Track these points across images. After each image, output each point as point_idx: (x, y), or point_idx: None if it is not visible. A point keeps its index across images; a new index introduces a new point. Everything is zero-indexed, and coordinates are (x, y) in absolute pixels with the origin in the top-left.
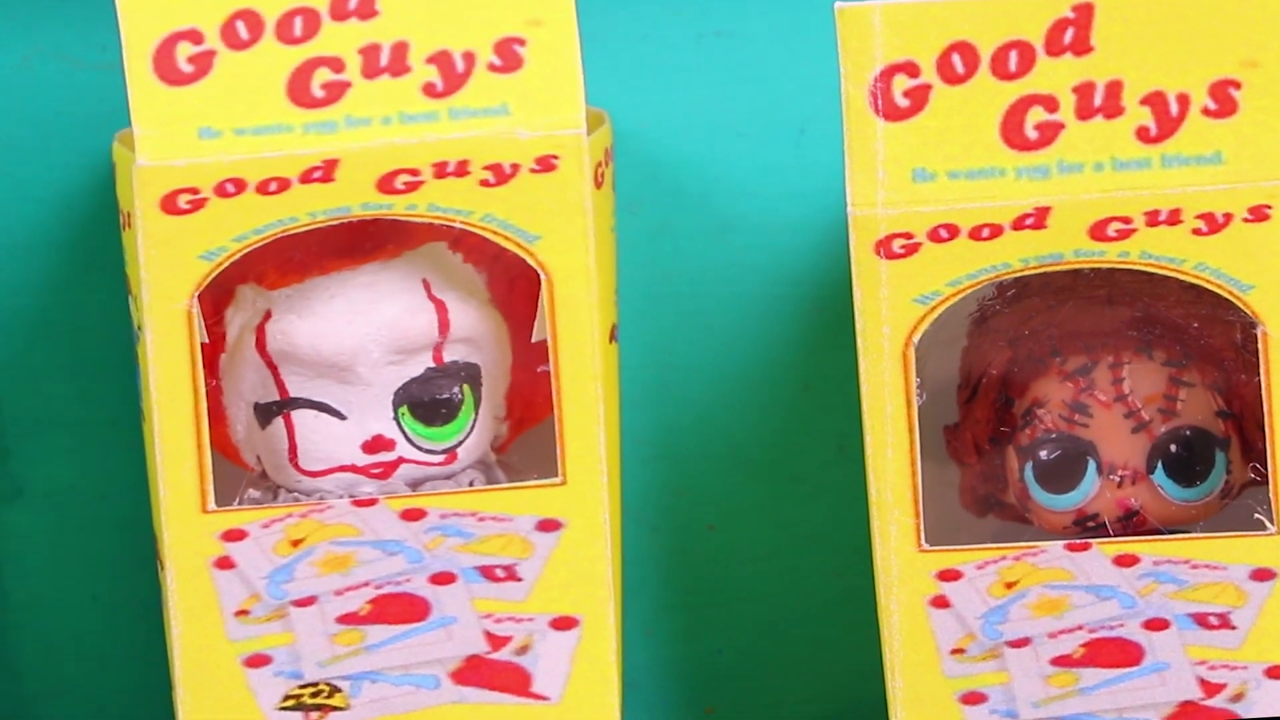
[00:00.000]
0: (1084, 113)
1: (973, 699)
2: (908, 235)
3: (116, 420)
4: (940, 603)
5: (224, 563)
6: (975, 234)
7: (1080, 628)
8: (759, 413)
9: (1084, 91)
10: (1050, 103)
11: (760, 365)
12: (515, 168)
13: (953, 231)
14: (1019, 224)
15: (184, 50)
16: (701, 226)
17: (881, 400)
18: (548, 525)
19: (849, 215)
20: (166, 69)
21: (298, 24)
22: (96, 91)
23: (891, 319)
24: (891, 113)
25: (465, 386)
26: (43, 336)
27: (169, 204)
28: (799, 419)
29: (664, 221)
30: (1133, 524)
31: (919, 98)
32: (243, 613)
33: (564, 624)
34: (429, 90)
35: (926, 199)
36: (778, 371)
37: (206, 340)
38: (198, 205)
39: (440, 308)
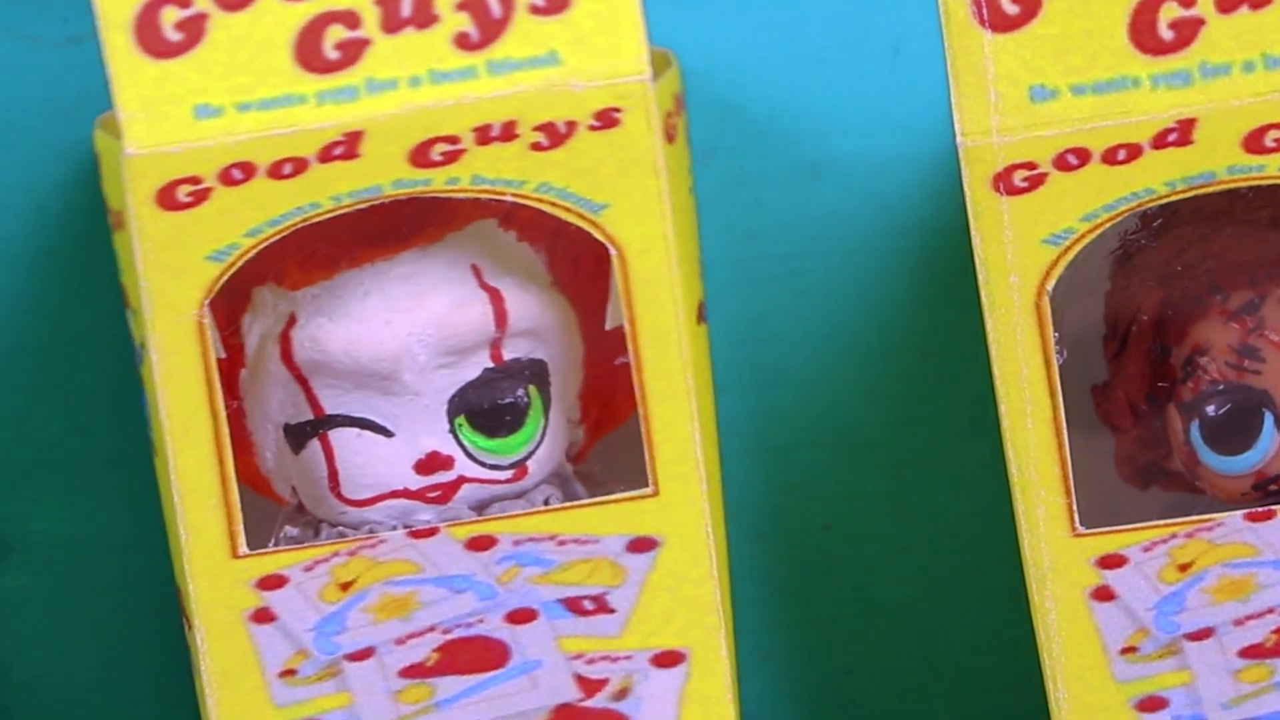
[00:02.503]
0: (1226, 4)
1: (1151, 705)
2: (1030, 165)
3: (120, 458)
4: (1103, 595)
5: (262, 615)
6: (1110, 157)
7: (1271, 610)
8: (873, 389)
9: None
10: None
11: (869, 333)
12: (571, 126)
13: (1083, 157)
14: (1160, 142)
15: (170, 15)
16: (786, 174)
17: (1015, 362)
18: (641, 545)
19: (959, 147)
20: (151, 39)
21: None
22: (62, 73)
23: (1019, 265)
24: (1000, 22)
25: (531, 388)
26: (24, 365)
27: (167, 198)
28: (920, 392)
29: (742, 171)
30: None
31: (1031, 2)
32: (289, 673)
33: (668, 660)
34: (462, 42)
35: (1049, 121)
36: (891, 338)
37: (223, 355)
38: (201, 197)
39: (495, 297)
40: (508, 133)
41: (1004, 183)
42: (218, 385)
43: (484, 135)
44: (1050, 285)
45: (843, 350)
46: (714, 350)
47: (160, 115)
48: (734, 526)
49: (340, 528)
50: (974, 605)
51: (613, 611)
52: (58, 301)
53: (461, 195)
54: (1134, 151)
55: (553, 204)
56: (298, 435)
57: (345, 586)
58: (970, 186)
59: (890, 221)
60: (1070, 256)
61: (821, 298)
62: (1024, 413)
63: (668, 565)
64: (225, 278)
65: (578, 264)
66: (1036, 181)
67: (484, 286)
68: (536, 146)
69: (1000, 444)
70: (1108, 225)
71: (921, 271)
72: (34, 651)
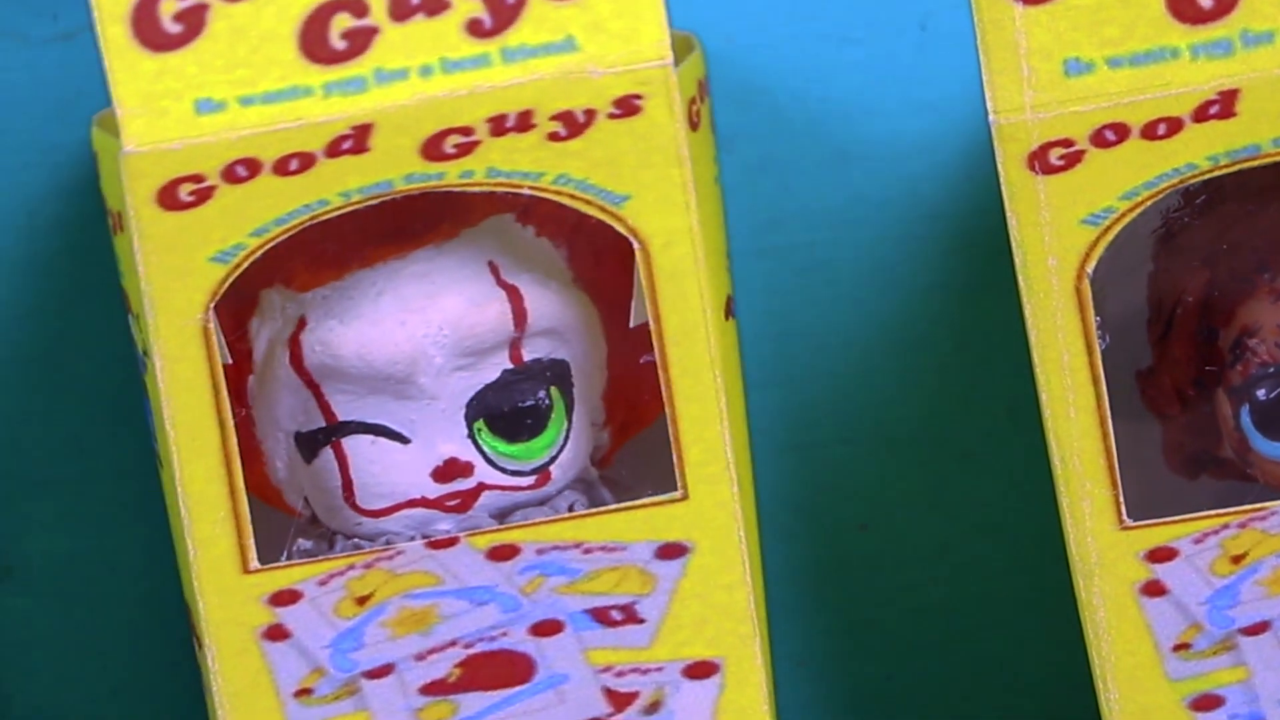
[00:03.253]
0: None
1: (1206, 703)
2: (1067, 142)
3: (123, 471)
4: (1154, 589)
5: (276, 633)
6: (1149, 132)
7: None
8: (907, 381)
9: None
10: None
11: (903, 323)
12: (590, 115)
13: (1121, 132)
14: (1202, 114)
15: (169, 6)
16: (812, 159)
17: (1055, 349)
18: (670, 551)
19: (992, 125)
20: (149, 31)
21: None
22: (54, 71)
23: (1057, 247)
24: None
25: (553, 389)
26: (22, 376)
27: (168, 197)
28: (957, 384)
29: (766, 158)
30: None
31: None
32: (304, 692)
33: (701, 670)
34: (475, 29)
35: (1085, 95)
36: (925, 328)
37: (230, 361)
38: (204, 196)
39: (513, 295)
40: (524, 123)
41: (1039, 161)
42: (225, 393)
43: (499, 126)
44: (1090, 267)
45: (874, 342)
46: (742, 346)
47: (160, 111)
48: (766, 528)
49: (355, 539)
50: (1019, 604)
51: (642, 621)
52: (56, 309)
53: (476, 189)
54: (1174, 125)
55: (572, 196)
56: (309, 444)
57: (362, 601)
58: (1004, 166)
59: (921, 206)
60: (1110, 237)
61: (851, 287)
62: (1066, 401)
63: (699, 572)
64: (231, 280)
65: (599, 259)
66: (1073, 159)
67: (501, 284)
68: (554, 137)
69: (1042, 435)
70: (1149, 203)
71: (955, 257)
72: (37, 676)
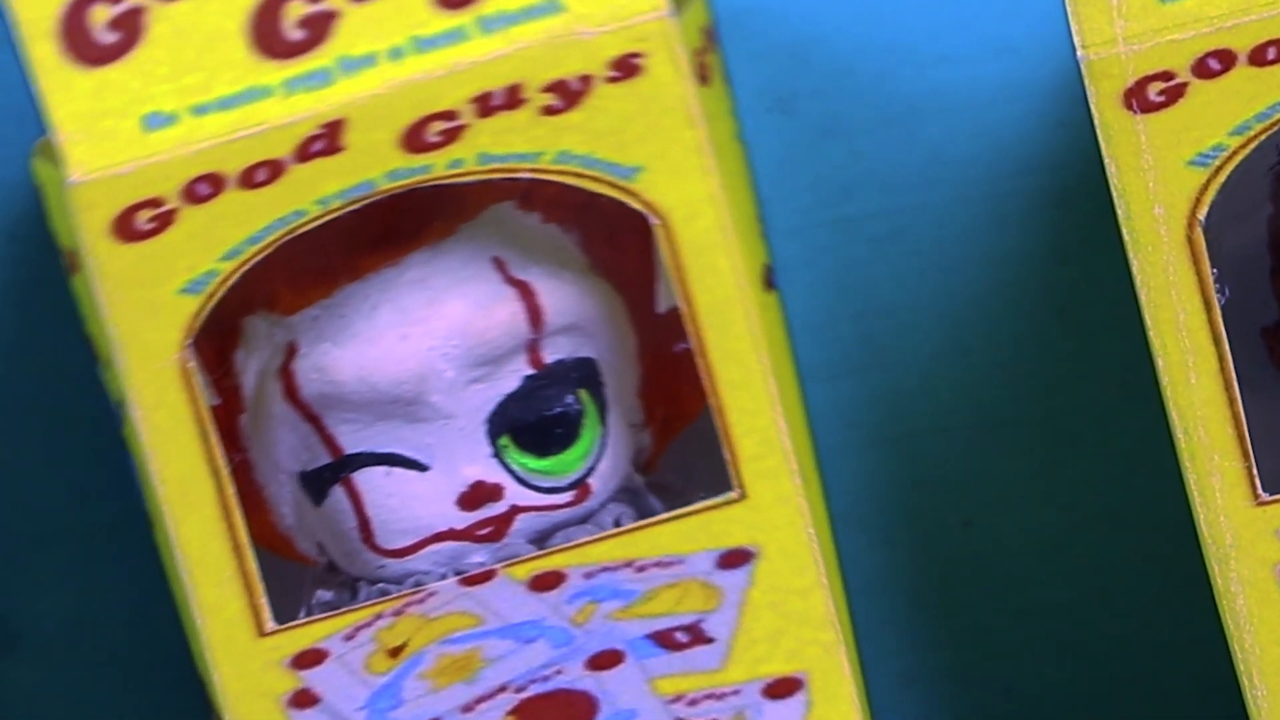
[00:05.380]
0: None
1: None
2: (1166, 75)
3: (127, 524)
4: None
5: (303, 699)
6: (1258, 57)
7: None
8: (1004, 359)
9: None
10: None
11: (995, 292)
12: (586, 81)
13: (1227, 60)
14: None
15: (100, 14)
16: (880, 117)
17: (1169, 308)
18: (733, 559)
19: (1081, 62)
20: (81, 44)
21: None
22: None
23: (1163, 194)
24: None
25: (581, 392)
26: (7, 430)
27: (125, 228)
28: (1061, 356)
29: (829, 118)
30: None
31: None
32: None
33: (783, 688)
34: (445, 0)
35: (1183, 21)
36: (1021, 297)
37: (217, 402)
38: (165, 222)
39: (524, 292)
40: (513, 99)
41: (1137, 99)
42: (214, 438)
43: (486, 106)
44: (1202, 214)
45: (964, 317)
46: (813, 330)
47: (104, 132)
48: (857, 533)
49: (381, 584)
50: (1147, 599)
51: (711, 641)
52: (28, 360)
53: (469, 179)
54: None
55: (577, 175)
56: (316, 483)
57: (395, 652)
58: (1098, 108)
59: (1007, 160)
60: (1222, 178)
61: (934, 257)
62: (1186, 366)
63: (768, 578)
64: (206, 311)
65: (615, 241)
66: (1175, 94)
67: (510, 281)
68: (549, 111)
69: (1161, 407)
70: (1263, 137)
71: (1049, 214)
72: None
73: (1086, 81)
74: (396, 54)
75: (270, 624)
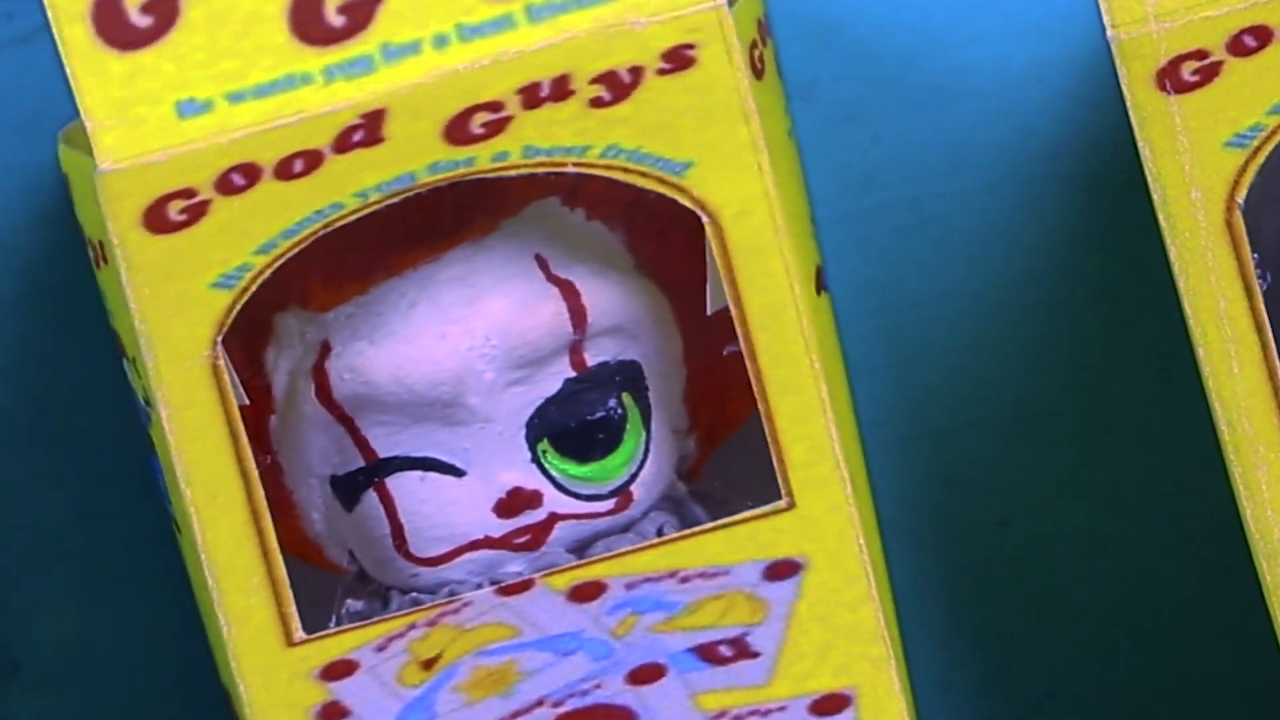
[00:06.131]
0: None
1: None
2: (1200, 54)
3: (135, 541)
4: None
5: (332, 712)
6: None
7: None
8: (1037, 350)
9: None
10: None
11: (1026, 282)
12: (637, 73)
13: (1264, 36)
14: None
15: None
16: (904, 101)
17: (1209, 295)
18: (780, 570)
19: (1111, 42)
20: (115, 28)
21: None
22: (10, 80)
23: (1199, 176)
24: None
25: (625, 396)
26: (14, 439)
27: (156, 219)
28: (1098, 347)
29: (851, 104)
30: None
31: None
32: None
33: (831, 705)
34: None
35: None
36: (1053, 286)
37: (247, 402)
38: (197, 213)
39: (568, 291)
40: (561, 90)
41: (1170, 79)
42: (244, 439)
43: (532, 97)
44: (1241, 197)
45: (995, 307)
46: (840, 324)
47: (136, 119)
48: (889, 535)
49: (414, 593)
50: (1192, 599)
51: (756, 655)
52: (42, 361)
53: (513, 173)
54: None
55: (625, 170)
56: (349, 488)
57: (429, 664)
58: (1130, 89)
59: (1036, 144)
60: (1261, 159)
61: (963, 246)
62: (1227, 354)
63: (816, 591)
64: (238, 307)
65: (663, 239)
66: (1210, 73)
67: (553, 280)
68: (597, 103)
69: (1203, 398)
70: None
71: (1081, 200)
72: None
73: (1117, 62)
74: (441, 42)
75: (299, 633)
